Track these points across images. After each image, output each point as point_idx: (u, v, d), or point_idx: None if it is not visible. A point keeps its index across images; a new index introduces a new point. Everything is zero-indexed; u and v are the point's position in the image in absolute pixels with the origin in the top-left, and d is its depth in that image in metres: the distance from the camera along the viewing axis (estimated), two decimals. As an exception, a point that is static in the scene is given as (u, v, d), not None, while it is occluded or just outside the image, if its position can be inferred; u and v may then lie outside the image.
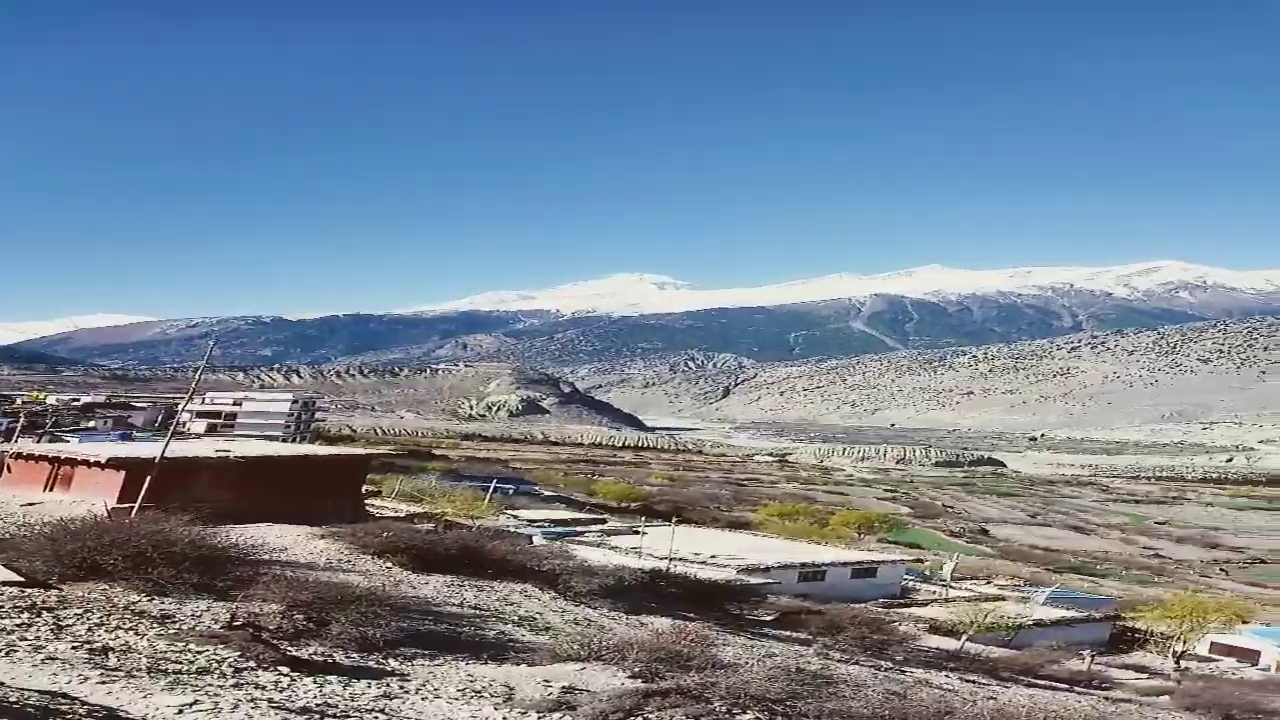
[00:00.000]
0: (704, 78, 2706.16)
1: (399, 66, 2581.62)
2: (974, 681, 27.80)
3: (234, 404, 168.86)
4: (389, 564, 27.24)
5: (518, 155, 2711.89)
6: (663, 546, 50.28)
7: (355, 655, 15.72)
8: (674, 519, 68.71)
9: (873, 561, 62.30)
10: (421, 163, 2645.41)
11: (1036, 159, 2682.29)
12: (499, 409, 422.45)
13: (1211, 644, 55.77)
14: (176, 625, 15.71)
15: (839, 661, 25.63)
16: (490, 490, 76.60)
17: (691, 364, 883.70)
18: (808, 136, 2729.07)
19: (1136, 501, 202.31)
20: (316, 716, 11.97)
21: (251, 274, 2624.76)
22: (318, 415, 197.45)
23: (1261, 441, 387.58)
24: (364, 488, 51.04)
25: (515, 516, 68.56)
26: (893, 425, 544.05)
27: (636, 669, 16.49)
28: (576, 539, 56.41)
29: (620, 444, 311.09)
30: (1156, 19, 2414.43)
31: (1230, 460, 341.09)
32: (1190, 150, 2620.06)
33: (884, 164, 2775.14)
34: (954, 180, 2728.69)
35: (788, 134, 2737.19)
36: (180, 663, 13.29)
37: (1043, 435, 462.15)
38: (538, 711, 13.72)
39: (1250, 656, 55.15)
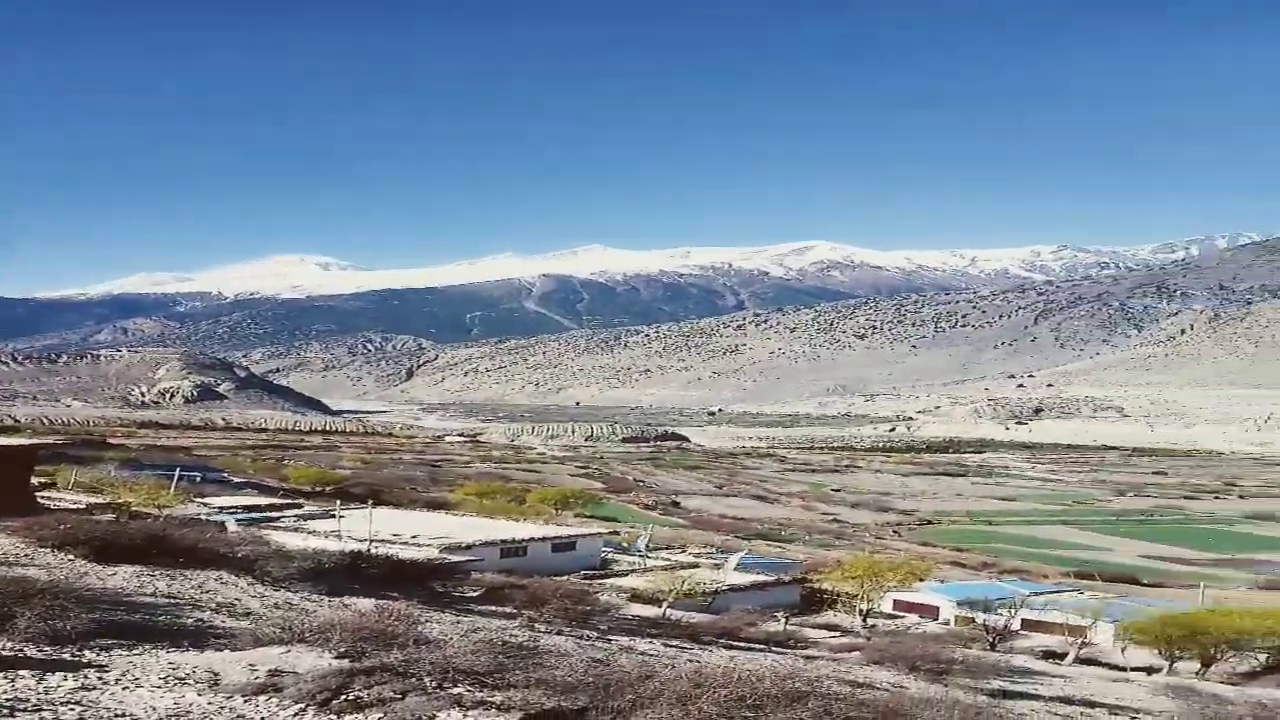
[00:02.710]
0: (359, 65, 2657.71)
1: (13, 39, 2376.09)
2: (676, 646, 28.67)
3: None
4: (71, 556, 25.59)
5: (158, 132, 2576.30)
6: (362, 529, 49.60)
7: (47, 649, 14.85)
8: (370, 501, 67.85)
9: (572, 536, 63.36)
10: (51, 137, 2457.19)
11: (686, 143, 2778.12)
12: (173, 395, 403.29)
13: (895, 602, 59.37)
14: None
15: (544, 633, 26.01)
16: (175, 478, 73.04)
17: (370, 346, 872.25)
18: (459, 117, 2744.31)
19: (812, 471, 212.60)
20: (6, 712, 11.35)
21: None
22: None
23: (920, 412, 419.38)
24: (34, 479, 47.64)
25: (205, 504, 65.50)
26: (577, 404, 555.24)
27: (342, 649, 16.25)
28: (272, 524, 54.69)
29: (307, 428, 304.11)
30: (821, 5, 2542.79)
31: (894, 430, 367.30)
32: (821, 137, 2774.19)
33: (539, 144, 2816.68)
34: (606, 160, 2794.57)
35: (441, 115, 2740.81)
36: None
37: (720, 410, 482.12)
38: (244, 695, 13.40)
39: (930, 612, 59.39)
